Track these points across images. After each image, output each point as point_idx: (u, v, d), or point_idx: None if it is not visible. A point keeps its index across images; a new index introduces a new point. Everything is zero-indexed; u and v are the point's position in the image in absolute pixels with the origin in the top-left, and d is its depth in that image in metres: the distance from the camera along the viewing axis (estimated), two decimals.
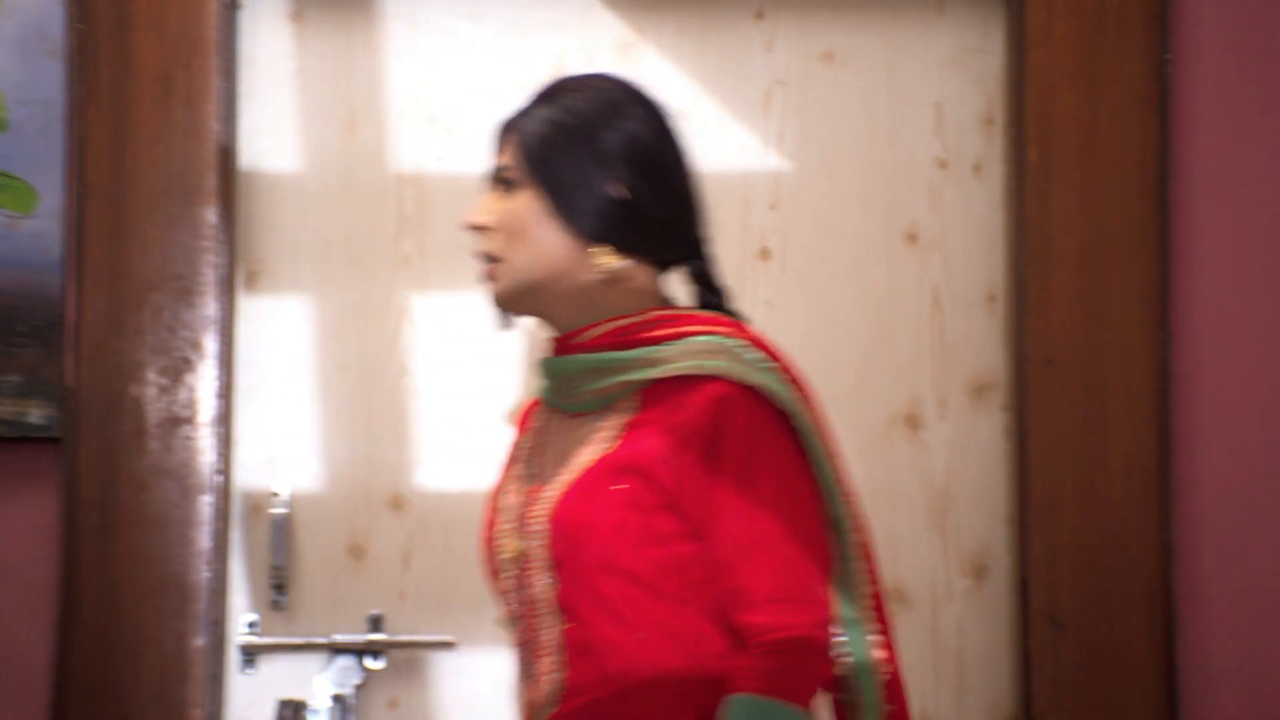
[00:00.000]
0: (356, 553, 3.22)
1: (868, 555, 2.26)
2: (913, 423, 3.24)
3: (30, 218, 3.17)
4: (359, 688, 3.18)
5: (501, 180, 2.29)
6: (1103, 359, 3.16)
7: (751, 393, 2.20)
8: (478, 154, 2.74)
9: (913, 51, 3.28)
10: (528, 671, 2.27)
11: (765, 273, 3.26)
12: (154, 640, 3.11)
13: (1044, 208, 3.18)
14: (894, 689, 2.24)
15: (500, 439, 2.58)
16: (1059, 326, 3.17)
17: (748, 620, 2.16)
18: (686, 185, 2.30)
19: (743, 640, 2.16)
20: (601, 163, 2.25)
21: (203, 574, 3.13)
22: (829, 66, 3.29)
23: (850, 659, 2.20)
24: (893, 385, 3.24)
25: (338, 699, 3.16)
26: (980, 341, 3.26)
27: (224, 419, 3.18)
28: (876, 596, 2.26)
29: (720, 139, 3.26)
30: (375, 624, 3.20)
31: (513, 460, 2.35)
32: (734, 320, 2.29)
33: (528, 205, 2.26)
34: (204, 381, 3.17)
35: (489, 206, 2.29)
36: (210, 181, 3.17)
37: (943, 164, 3.27)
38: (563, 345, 2.30)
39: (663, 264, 2.31)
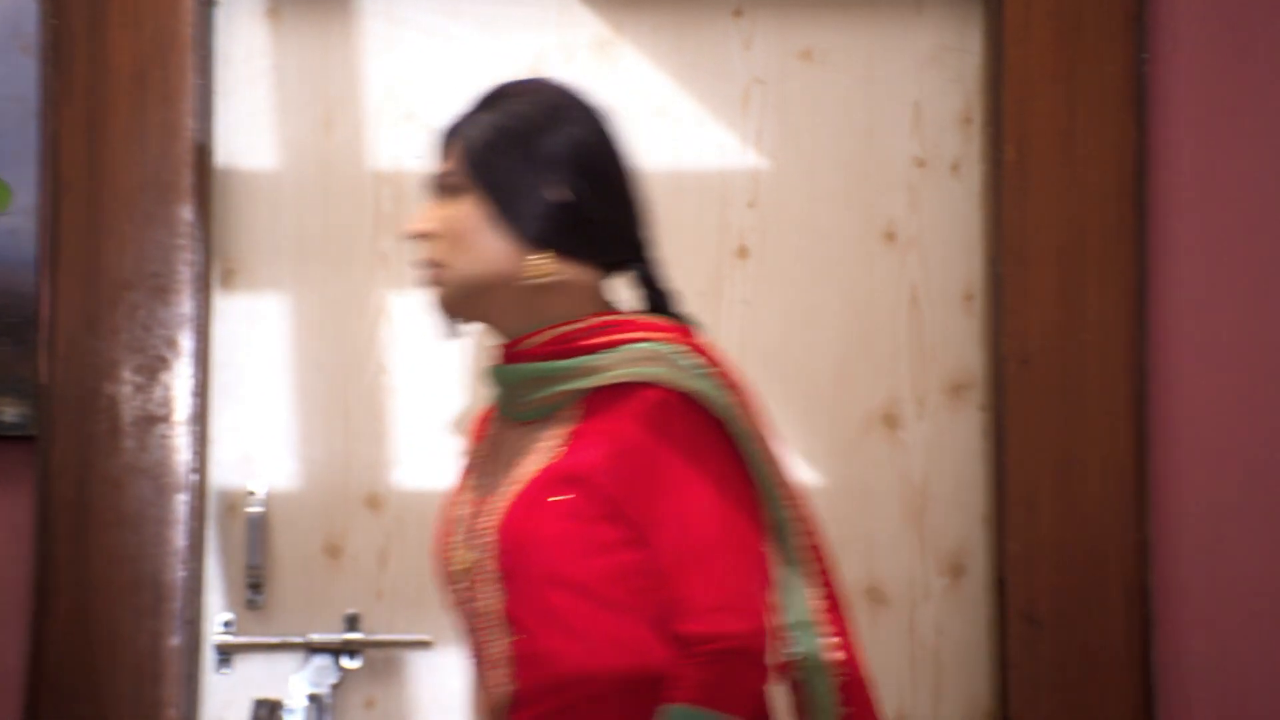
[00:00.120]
0: (333, 552, 3.21)
1: (818, 557, 2.26)
2: (890, 422, 3.24)
3: (4, 214, 3.15)
4: (335, 687, 3.17)
5: (444, 187, 2.29)
6: (1080, 358, 3.17)
7: (688, 399, 2.20)
8: None
9: (891, 50, 3.28)
10: (480, 683, 2.28)
11: (743, 271, 3.26)
12: (129, 640, 3.10)
13: (1022, 207, 3.19)
14: (853, 690, 2.24)
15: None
16: (1037, 326, 3.17)
17: (686, 630, 2.15)
18: (628, 188, 2.30)
19: (683, 649, 2.16)
20: (544, 167, 2.25)
21: (178, 573, 3.12)
22: (807, 65, 3.28)
23: (802, 662, 2.20)
24: (870, 384, 3.24)
25: (314, 698, 3.15)
26: (958, 341, 3.26)
27: (200, 417, 3.17)
28: (830, 598, 2.26)
29: (698, 137, 3.26)
30: (352, 623, 3.19)
31: (467, 470, 2.36)
32: (677, 324, 2.29)
33: (471, 211, 2.26)
34: (180, 380, 3.15)
35: (432, 214, 2.29)
36: (186, 179, 3.16)
37: (921, 163, 3.27)
38: (508, 353, 2.30)
39: (608, 267, 2.31)
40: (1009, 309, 3.17)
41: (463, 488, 2.34)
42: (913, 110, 3.28)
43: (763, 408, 2.28)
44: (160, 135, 3.16)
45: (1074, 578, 3.13)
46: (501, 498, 2.24)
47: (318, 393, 3.22)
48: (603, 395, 2.22)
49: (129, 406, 3.14)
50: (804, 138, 3.27)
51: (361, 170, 3.25)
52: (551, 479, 2.21)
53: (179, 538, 3.13)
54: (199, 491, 3.16)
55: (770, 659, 2.17)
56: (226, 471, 3.21)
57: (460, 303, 2.28)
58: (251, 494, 3.19)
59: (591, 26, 3.28)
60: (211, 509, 3.20)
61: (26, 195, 3.16)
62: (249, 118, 3.25)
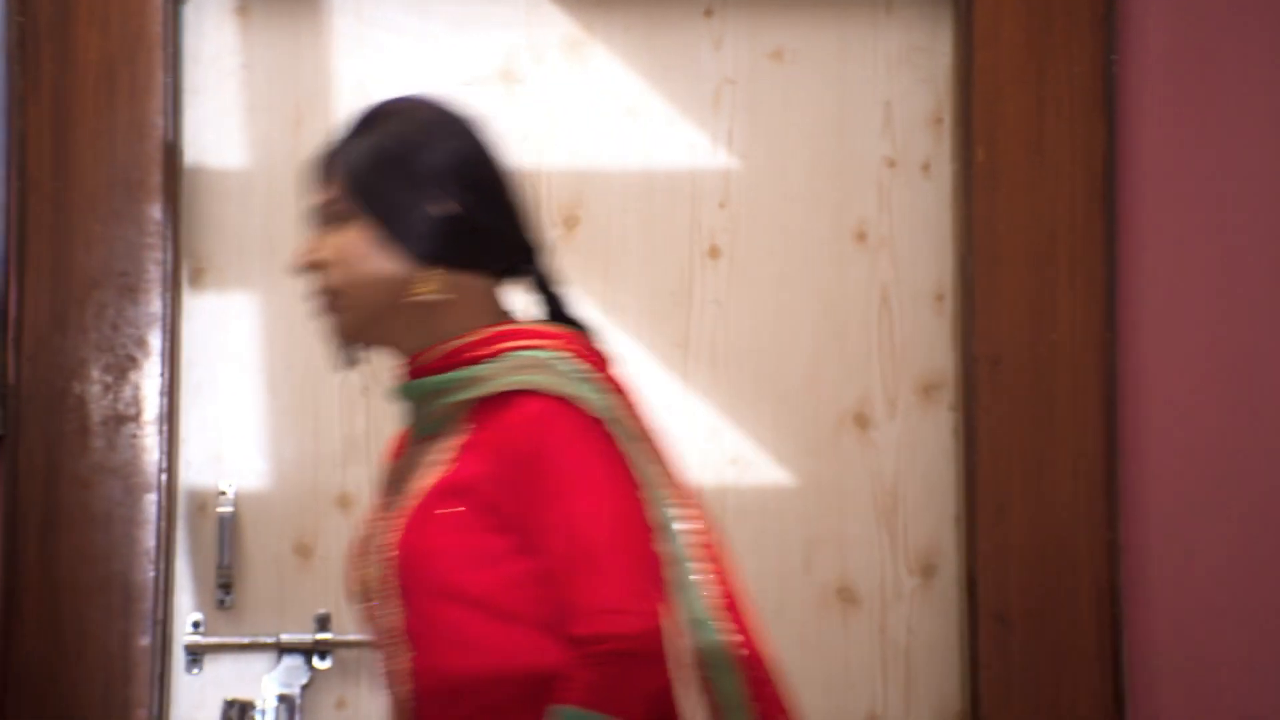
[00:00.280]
0: (303, 551, 3.20)
1: (713, 555, 2.25)
2: (861, 422, 3.25)
3: None
4: (306, 687, 3.16)
5: (328, 215, 2.30)
6: (1050, 358, 3.17)
7: (569, 404, 2.20)
8: None
9: (861, 50, 3.28)
10: (390, 699, 2.29)
11: (714, 271, 3.26)
12: (98, 640, 3.09)
13: (992, 207, 3.19)
14: (761, 684, 2.24)
15: None
16: (1007, 326, 3.18)
17: (577, 632, 2.15)
18: (511, 194, 2.31)
19: (575, 651, 2.16)
20: (426, 183, 2.26)
21: (148, 573, 3.11)
22: (778, 65, 3.29)
23: (705, 659, 2.20)
24: (841, 384, 3.25)
25: (284, 699, 3.15)
26: (929, 341, 3.26)
27: (169, 417, 3.15)
28: (728, 595, 2.25)
29: (669, 137, 3.26)
30: (322, 623, 3.18)
31: (381, 488, 2.36)
32: (565, 330, 2.29)
33: (359, 236, 2.27)
34: (149, 379, 3.14)
35: (319, 243, 2.30)
36: (154, 177, 3.15)
37: (891, 163, 3.28)
38: (410, 369, 2.31)
39: (501, 275, 2.32)
40: (979, 309, 3.18)
41: (375, 505, 2.35)
42: (883, 110, 3.28)
43: (649, 409, 2.27)
44: (129, 133, 3.15)
45: (1044, 577, 3.14)
46: (399, 513, 2.26)
47: (287, 392, 3.22)
48: (489, 406, 2.22)
49: (98, 406, 3.13)
50: (775, 138, 3.27)
51: None
52: (442, 492, 2.22)
53: (148, 537, 3.11)
54: (168, 491, 3.15)
55: (669, 659, 2.17)
56: (196, 471, 3.20)
57: (359, 329, 2.30)
58: (221, 494, 3.18)
59: (562, 26, 3.28)
60: (181, 509, 3.19)
61: None
62: (218, 116, 3.24)
